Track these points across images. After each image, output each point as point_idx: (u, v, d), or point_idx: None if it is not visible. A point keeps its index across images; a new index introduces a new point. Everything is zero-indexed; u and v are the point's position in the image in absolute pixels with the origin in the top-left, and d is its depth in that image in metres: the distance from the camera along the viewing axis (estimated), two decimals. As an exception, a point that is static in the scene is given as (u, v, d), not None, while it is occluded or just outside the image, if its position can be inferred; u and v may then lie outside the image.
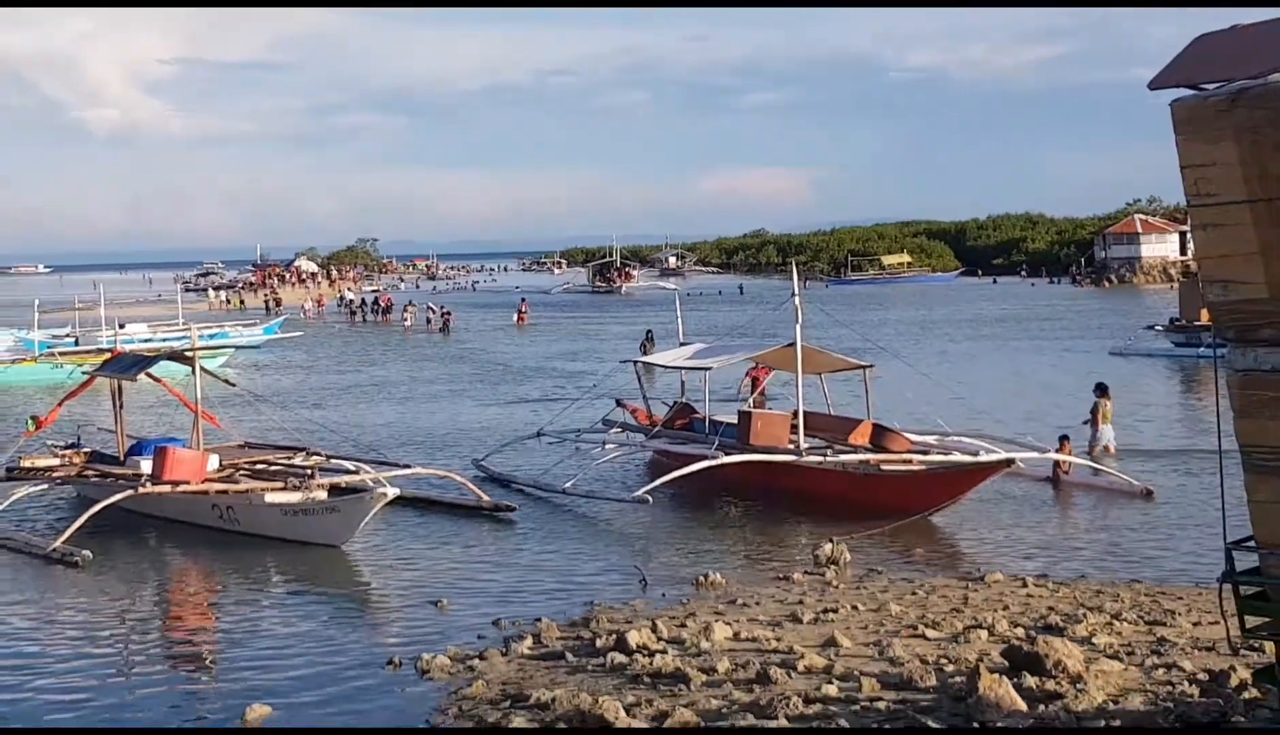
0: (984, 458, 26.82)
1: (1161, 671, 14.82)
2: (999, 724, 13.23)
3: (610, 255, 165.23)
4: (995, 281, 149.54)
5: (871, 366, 30.93)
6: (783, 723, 13.70)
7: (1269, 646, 4.66)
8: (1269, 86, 4.21)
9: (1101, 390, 31.81)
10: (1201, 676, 14.42)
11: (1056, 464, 28.85)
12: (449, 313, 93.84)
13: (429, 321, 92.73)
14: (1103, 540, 24.12)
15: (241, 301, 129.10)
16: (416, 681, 16.48)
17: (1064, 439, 29.77)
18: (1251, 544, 4.54)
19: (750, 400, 32.07)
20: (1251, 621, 4.68)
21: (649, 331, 51.56)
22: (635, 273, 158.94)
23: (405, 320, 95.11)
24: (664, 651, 16.56)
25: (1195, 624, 16.78)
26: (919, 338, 68.29)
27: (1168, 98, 4.77)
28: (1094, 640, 16.01)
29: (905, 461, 26.84)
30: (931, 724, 13.30)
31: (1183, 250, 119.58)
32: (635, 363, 36.19)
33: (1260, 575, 4.51)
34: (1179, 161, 4.43)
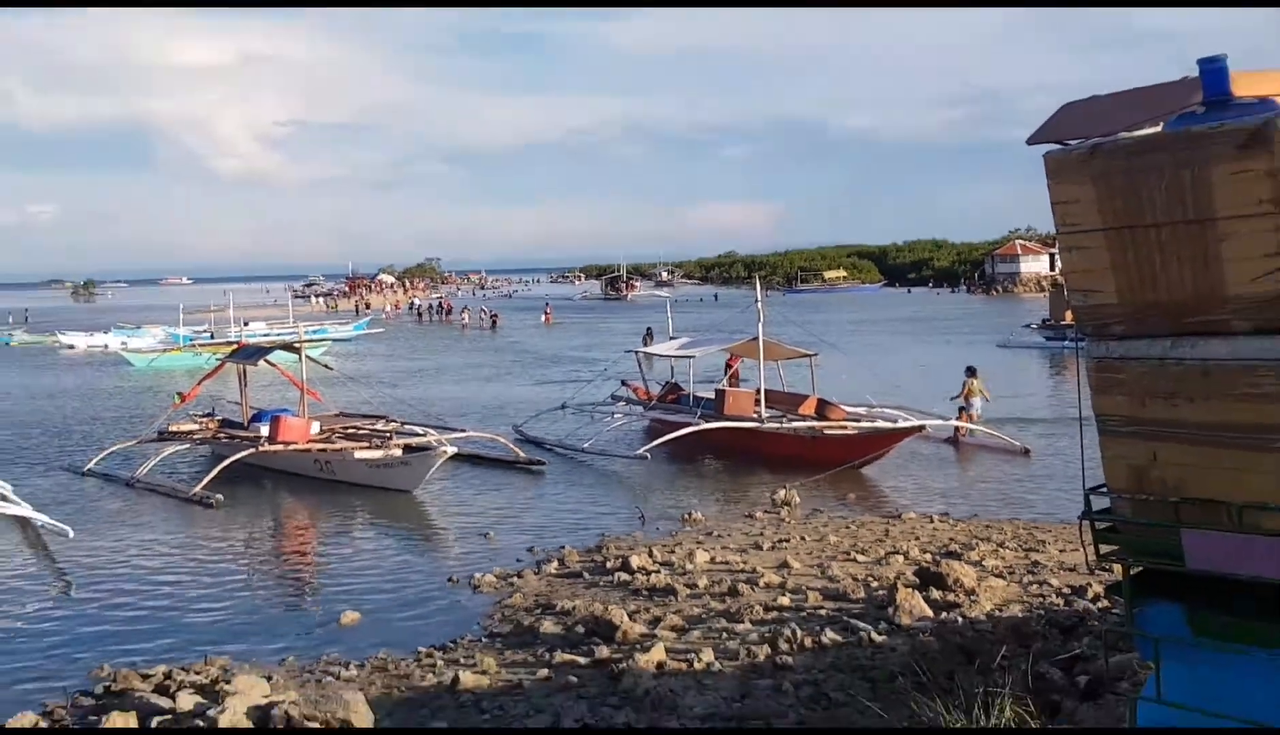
0: (901, 424, 26.93)
1: (1035, 586, 14.90)
2: (909, 626, 13.26)
3: (618, 270, 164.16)
4: (910, 291, 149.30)
5: (816, 355, 30.94)
6: (747, 628, 13.72)
7: (1117, 568, 4.65)
8: (1117, 142, 4.26)
9: (970, 372, 31.54)
10: (1065, 590, 14.51)
11: (956, 429, 28.96)
12: (496, 314, 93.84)
13: (480, 321, 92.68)
14: (991, 487, 24.20)
15: (336, 305, 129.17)
16: (471, 595, 16.55)
17: (962, 410, 29.81)
18: (1104, 490, 4.53)
19: (725, 381, 31.97)
20: (1104, 549, 4.66)
21: (649, 328, 51.08)
22: (637, 284, 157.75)
23: (463, 320, 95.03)
24: (658, 571, 16.65)
25: (1061, 551, 16.84)
26: (851, 334, 68.11)
27: (1040, 151, 4.79)
28: (984, 563, 16.09)
29: (841, 427, 26.92)
30: (860, 625, 13.33)
31: (1052, 267, 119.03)
32: (637, 352, 36.20)
33: (1110, 514, 4.50)
34: (1050, 199, 4.45)
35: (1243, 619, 4.34)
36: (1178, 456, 4.26)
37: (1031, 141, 4.81)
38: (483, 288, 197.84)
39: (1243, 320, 4.06)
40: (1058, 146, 4.51)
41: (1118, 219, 4.20)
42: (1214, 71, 4.18)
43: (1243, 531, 4.12)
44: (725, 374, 32.33)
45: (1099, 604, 13.34)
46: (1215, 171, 3.98)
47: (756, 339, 29.05)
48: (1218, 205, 4.01)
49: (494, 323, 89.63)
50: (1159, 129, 4.24)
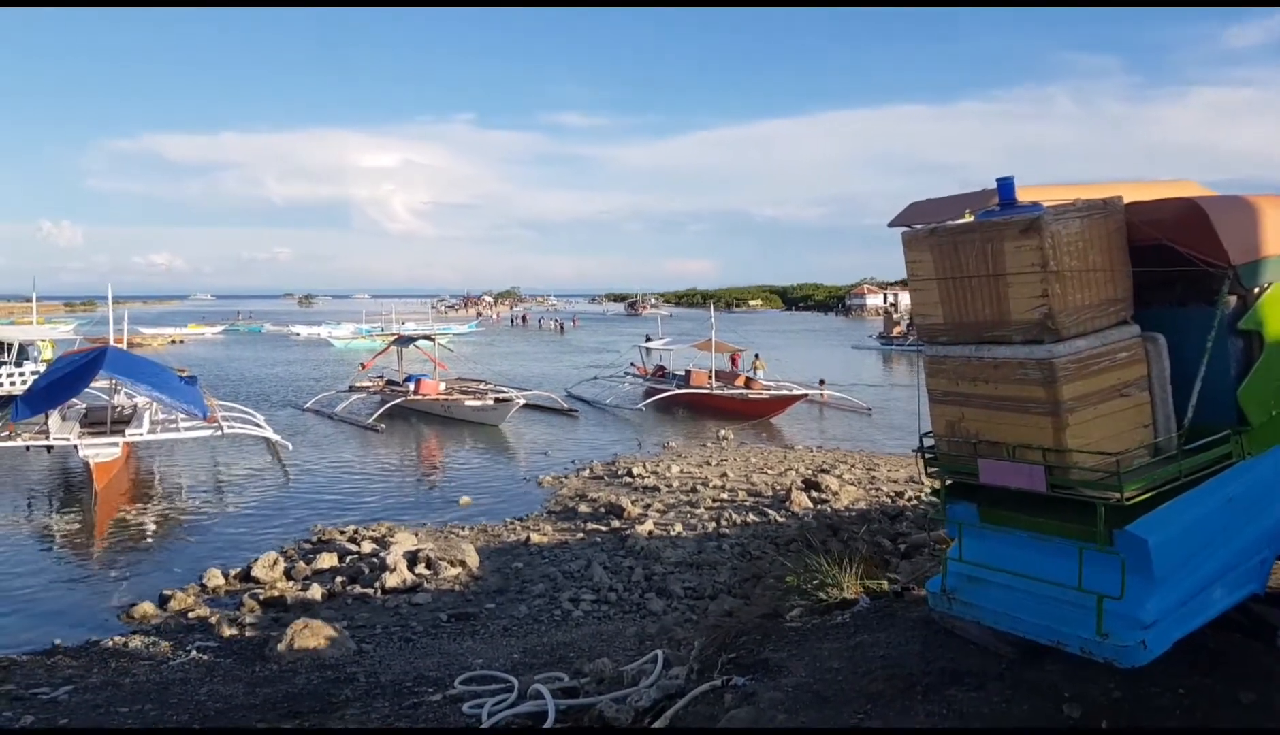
0: (794, 392, 26.91)
1: (873, 490, 14.91)
2: (799, 512, 13.27)
3: (637, 296, 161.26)
4: (797, 312, 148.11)
5: (745, 350, 30.91)
6: (702, 512, 13.73)
7: (935, 481, 4.64)
8: (946, 226, 4.24)
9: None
10: (891, 494, 14.53)
11: (820, 394, 28.75)
12: (563, 323, 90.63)
13: (550, 327, 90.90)
14: (847, 432, 24.14)
15: (446, 313, 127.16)
16: (536, 488, 16.53)
17: (821, 382, 29.58)
18: (930, 434, 4.53)
19: (730, 367, 30.35)
20: (930, 470, 4.65)
21: (648, 335, 51.04)
22: (647, 306, 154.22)
23: (539, 325, 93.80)
24: (649, 476, 16.66)
25: (889, 470, 16.86)
26: (766, 336, 67.86)
27: (895, 230, 4.75)
28: (843, 476, 16.10)
29: (759, 393, 26.89)
30: (769, 511, 13.33)
31: (885, 300, 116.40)
32: (640, 346, 36.09)
33: (934, 449, 4.49)
34: (905, 259, 4.41)
35: (1010, 512, 4.36)
36: (976, 415, 4.25)
37: (891, 225, 4.78)
38: (555, 307, 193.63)
39: (1018, 335, 4.06)
40: (908, 228, 4.47)
41: (945, 273, 4.18)
42: (1006, 185, 4.17)
43: (1013, 461, 4.13)
44: (731, 363, 31.24)
45: (912, 502, 13.37)
46: (1006, 246, 3.97)
47: (709, 340, 29.02)
48: (1007, 266, 4.00)
49: (561, 329, 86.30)
50: (971, 219, 4.23)
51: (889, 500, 13.93)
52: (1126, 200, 4.25)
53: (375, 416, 24.21)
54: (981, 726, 4.17)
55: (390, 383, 27.93)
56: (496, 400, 24.52)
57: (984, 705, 4.36)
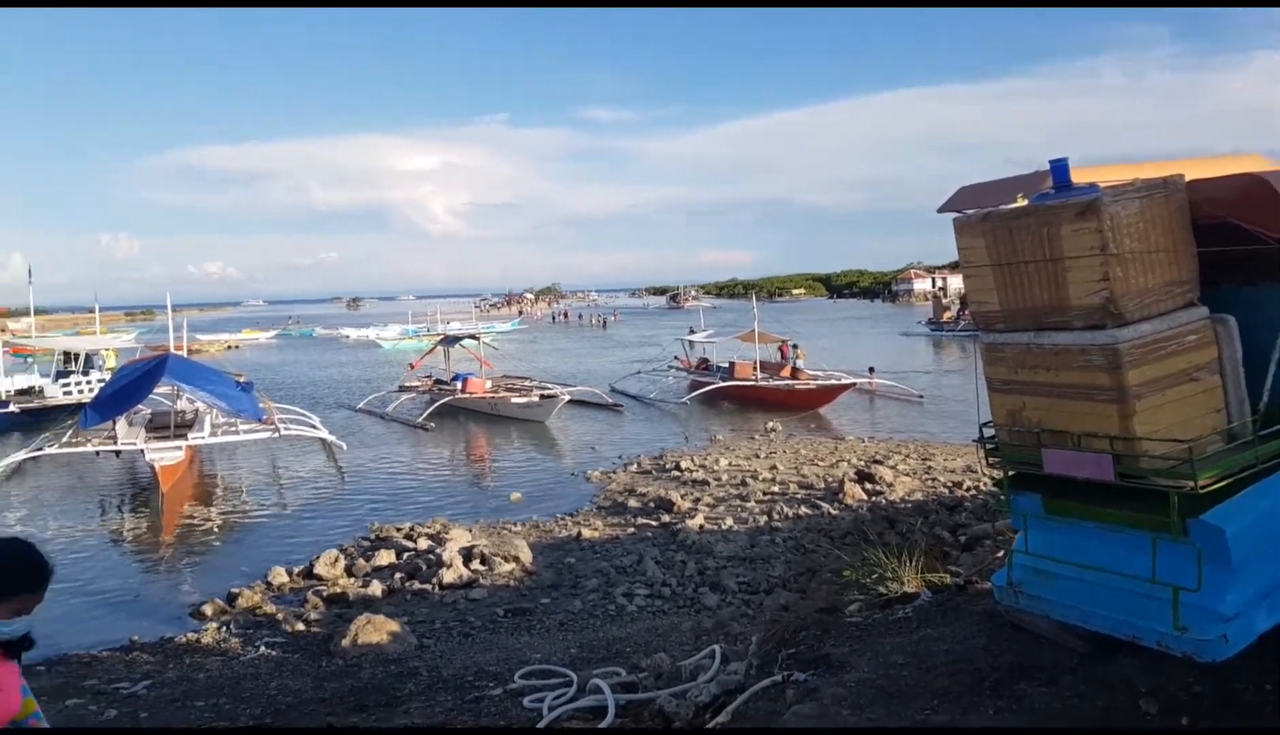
0: (843, 382, 26.59)
1: (929, 481, 14.66)
2: (852, 505, 13.12)
3: (679, 289, 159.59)
4: (842, 300, 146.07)
5: (787, 339, 30.62)
6: (753, 505, 13.65)
7: (997, 472, 4.54)
8: (1000, 211, 4.16)
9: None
10: (949, 484, 14.26)
11: (870, 383, 28.34)
12: (605, 319, 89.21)
13: (593, 323, 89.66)
14: (899, 421, 23.72)
15: (487, 311, 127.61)
16: (585, 483, 16.56)
17: (871, 370, 29.16)
18: (990, 424, 4.43)
19: (779, 358, 30.03)
20: (991, 461, 4.56)
21: (691, 328, 50.80)
22: (690, 299, 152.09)
23: (581, 320, 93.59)
24: (697, 470, 16.61)
25: (945, 460, 16.57)
26: (811, 325, 66.97)
27: (945, 215, 4.67)
28: (898, 467, 15.85)
29: (806, 384, 26.63)
30: (822, 504, 13.20)
31: (933, 285, 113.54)
32: (683, 339, 36.00)
33: (995, 439, 4.39)
34: (957, 246, 4.32)
35: (1076, 502, 4.25)
36: (1038, 404, 4.16)
37: (941, 210, 4.69)
38: (594, 303, 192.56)
39: (1079, 320, 3.95)
40: (959, 214, 4.38)
41: (1000, 259, 4.09)
42: (1060, 168, 4.06)
43: (1078, 450, 4.03)
44: (780, 355, 30.83)
45: (971, 492, 13.13)
46: (1063, 229, 3.87)
47: (753, 331, 28.83)
48: (1065, 250, 3.90)
49: (603, 324, 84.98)
50: (1025, 203, 4.12)
51: (946, 490, 13.68)
52: (1188, 178, 4.12)
53: (425, 415, 24.53)
54: (1054, 723, 4.08)
55: (438, 382, 28.24)
56: (542, 397, 24.65)
57: (1056, 700, 4.26)
